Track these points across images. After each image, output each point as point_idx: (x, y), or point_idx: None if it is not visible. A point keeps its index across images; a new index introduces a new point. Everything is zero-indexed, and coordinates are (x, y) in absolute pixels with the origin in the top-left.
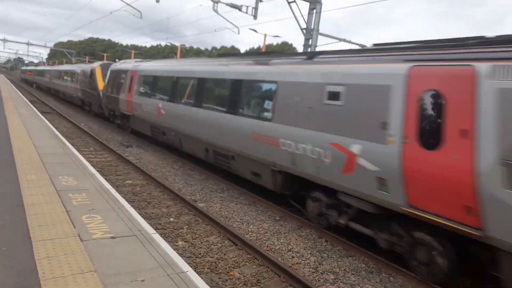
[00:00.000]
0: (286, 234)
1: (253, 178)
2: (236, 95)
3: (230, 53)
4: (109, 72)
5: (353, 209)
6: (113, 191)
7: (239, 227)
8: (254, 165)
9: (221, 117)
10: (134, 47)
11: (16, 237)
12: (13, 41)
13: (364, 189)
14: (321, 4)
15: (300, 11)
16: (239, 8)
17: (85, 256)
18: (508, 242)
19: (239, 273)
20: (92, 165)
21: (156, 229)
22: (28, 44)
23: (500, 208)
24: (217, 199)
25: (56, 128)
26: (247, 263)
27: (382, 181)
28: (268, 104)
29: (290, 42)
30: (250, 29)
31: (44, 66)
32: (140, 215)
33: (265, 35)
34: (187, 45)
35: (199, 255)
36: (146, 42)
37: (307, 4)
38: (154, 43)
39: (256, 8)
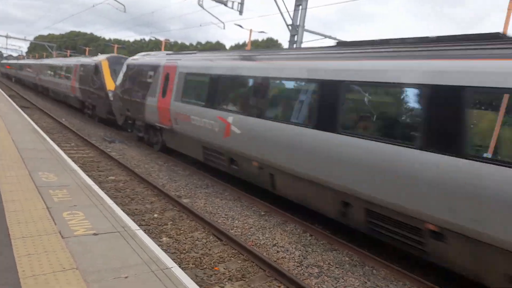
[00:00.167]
0: (271, 229)
1: None
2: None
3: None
4: (125, 67)
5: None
6: (95, 187)
7: (224, 223)
8: None
9: (400, 153)
10: (117, 41)
11: None
12: None
13: None
14: (306, 0)
15: (286, 7)
16: (224, 3)
17: (66, 253)
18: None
19: (224, 268)
20: (73, 161)
21: (139, 225)
22: (7, 37)
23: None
24: (201, 194)
25: (36, 123)
26: (232, 258)
27: None
28: None
29: (275, 38)
30: (235, 24)
31: (29, 60)
32: (123, 211)
33: (251, 30)
34: (172, 40)
35: (184, 251)
36: (130, 36)
37: (293, 0)
38: (138, 38)
39: (241, 4)
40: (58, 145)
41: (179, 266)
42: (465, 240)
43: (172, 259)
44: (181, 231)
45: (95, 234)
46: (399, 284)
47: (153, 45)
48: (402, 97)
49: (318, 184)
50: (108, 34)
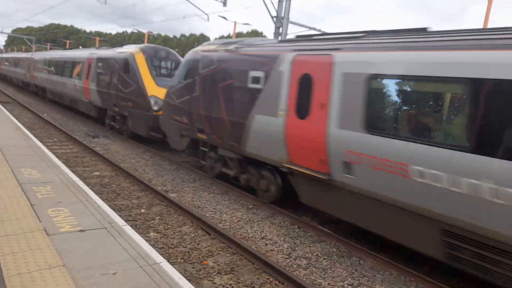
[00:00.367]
0: (259, 222)
1: None
2: None
3: None
4: (189, 62)
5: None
6: (80, 183)
7: (212, 217)
8: None
9: None
10: (99, 33)
11: None
12: None
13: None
14: None
15: None
16: None
17: (52, 251)
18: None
19: (213, 262)
20: (57, 156)
21: (126, 220)
22: None
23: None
24: (189, 189)
25: (17, 118)
26: (221, 252)
27: None
28: None
29: (260, 30)
30: (219, 16)
31: (15, 53)
32: (109, 207)
33: (235, 22)
34: (155, 32)
35: (172, 246)
36: (112, 29)
37: None
38: (120, 30)
39: None
40: (41, 141)
41: (168, 261)
42: None
43: (161, 254)
44: (169, 226)
45: (81, 230)
46: (386, 274)
47: (136, 38)
48: None
49: None
50: (89, 26)
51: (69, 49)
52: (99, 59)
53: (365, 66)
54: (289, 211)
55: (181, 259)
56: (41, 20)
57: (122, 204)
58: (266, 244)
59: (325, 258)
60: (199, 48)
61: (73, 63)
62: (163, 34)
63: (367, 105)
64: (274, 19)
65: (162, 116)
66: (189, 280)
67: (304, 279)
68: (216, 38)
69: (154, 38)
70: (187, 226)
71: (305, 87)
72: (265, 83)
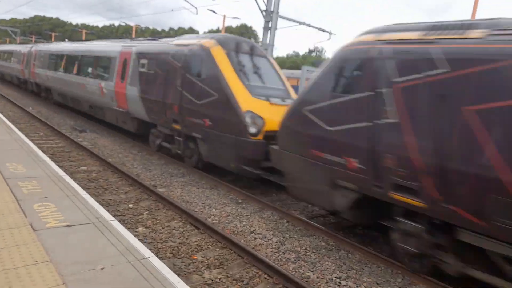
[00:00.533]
0: (249, 216)
1: None
2: None
3: None
4: (385, 62)
5: None
6: (67, 178)
7: (201, 211)
8: None
9: None
10: (85, 26)
11: None
12: None
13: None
14: None
15: None
16: None
17: (38, 246)
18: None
19: (202, 257)
20: (42, 151)
21: (114, 215)
22: None
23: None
24: (177, 183)
25: (1, 112)
26: (210, 247)
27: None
28: None
29: (249, 25)
30: (208, 10)
31: (8, 45)
32: (97, 202)
33: (224, 16)
34: (143, 26)
35: (161, 241)
36: (98, 21)
37: None
38: (107, 23)
39: None
40: (26, 135)
41: (157, 256)
42: None
43: (149, 249)
44: (158, 221)
45: (68, 226)
46: (373, 266)
47: (123, 31)
48: None
49: None
50: (75, 19)
51: (87, 40)
52: (143, 54)
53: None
54: (278, 205)
55: (170, 253)
56: (25, 12)
57: (110, 199)
58: (255, 238)
59: (313, 252)
60: (370, 37)
61: (97, 59)
62: (151, 27)
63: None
64: (264, 13)
65: (282, 148)
66: (178, 275)
67: (293, 273)
68: (204, 32)
69: (142, 32)
70: (176, 221)
71: None
72: None
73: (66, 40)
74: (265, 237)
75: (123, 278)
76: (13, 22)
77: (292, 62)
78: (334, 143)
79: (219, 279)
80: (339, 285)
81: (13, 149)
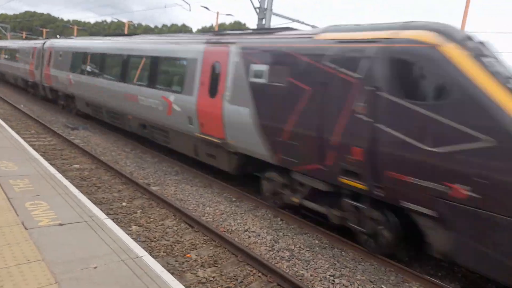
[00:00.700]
0: (243, 214)
1: None
2: None
3: None
4: None
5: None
6: (59, 176)
7: (195, 210)
8: None
9: None
10: (77, 22)
11: None
12: None
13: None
14: None
15: None
16: None
17: (30, 245)
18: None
19: (196, 255)
20: (34, 149)
21: (107, 214)
22: None
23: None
24: (171, 182)
25: None
26: (204, 245)
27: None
28: None
29: (243, 22)
30: (202, 6)
31: (11, 41)
32: (89, 200)
33: (218, 13)
34: (135, 22)
35: (154, 239)
36: (90, 17)
37: None
38: (99, 19)
39: None
40: (18, 133)
41: (150, 254)
42: None
43: (143, 248)
44: (151, 219)
45: (60, 224)
46: (366, 264)
47: (116, 27)
48: None
49: None
50: (66, 14)
51: (122, 34)
52: (257, 56)
53: None
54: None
55: (163, 252)
56: (16, 8)
57: (103, 198)
58: (249, 237)
59: (307, 250)
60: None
61: (159, 61)
62: (144, 24)
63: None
64: (257, 10)
65: None
66: (172, 273)
67: (287, 271)
68: (198, 29)
69: (135, 28)
70: (169, 219)
71: None
72: None
73: (58, 36)
74: (259, 235)
75: (116, 276)
76: (3, 17)
77: None
78: None
79: (213, 277)
80: (333, 283)
81: (4, 146)
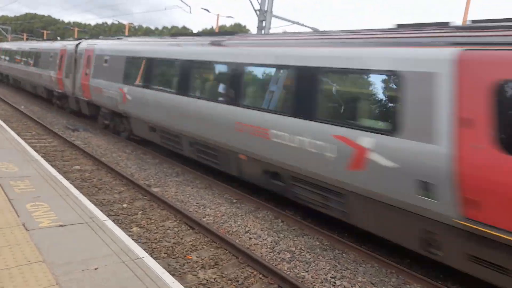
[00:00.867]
0: (243, 216)
1: None
2: None
3: None
4: None
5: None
6: (60, 177)
7: (195, 211)
8: None
9: None
10: (78, 24)
11: None
12: None
13: None
14: None
15: None
16: None
17: (31, 246)
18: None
19: (196, 257)
20: (35, 150)
21: (108, 215)
22: None
23: None
24: (172, 183)
25: None
26: (205, 246)
27: None
28: None
29: (243, 24)
30: (202, 8)
31: (29, 43)
32: (90, 201)
33: (218, 15)
34: (136, 24)
35: (155, 241)
36: (91, 19)
37: None
38: (100, 21)
39: None
40: (18, 134)
41: (151, 256)
42: None
43: (143, 249)
44: (152, 221)
45: (61, 225)
46: (367, 266)
47: (116, 29)
48: None
49: None
50: (67, 16)
51: (197, 34)
52: None
53: None
54: (273, 205)
55: (164, 253)
56: (16, 9)
57: (104, 199)
58: (250, 238)
59: (308, 252)
60: None
61: (318, 76)
62: (144, 26)
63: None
64: (257, 12)
65: None
66: (173, 275)
67: (288, 273)
68: (198, 31)
69: (136, 30)
70: (170, 221)
71: None
72: None
73: (58, 38)
74: (260, 236)
75: (117, 278)
76: (4, 19)
77: None
78: None
79: (214, 279)
80: (334, 285)
81: (5, 148)
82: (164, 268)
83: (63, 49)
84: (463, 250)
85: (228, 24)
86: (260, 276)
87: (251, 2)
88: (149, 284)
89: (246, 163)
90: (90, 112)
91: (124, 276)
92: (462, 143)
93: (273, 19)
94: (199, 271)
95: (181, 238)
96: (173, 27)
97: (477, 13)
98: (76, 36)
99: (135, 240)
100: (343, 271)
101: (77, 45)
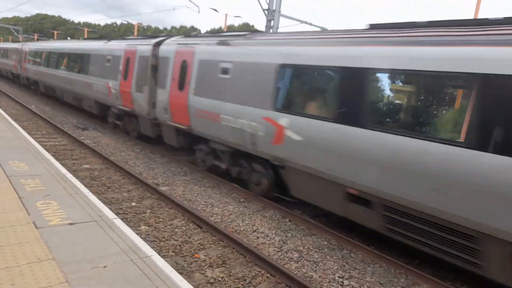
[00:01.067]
0: (251, 215)
1: None
2: None
3: None
4: None
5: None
6: (69, 175)
7: (203, 210)
8: None
9: None
10: (87, 24)
11: None
12: None
13: None
14: None
15: None
16: None
17: (41, 244)
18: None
19: (204, 255)
20: (45, 149)
21: (117, 214)
22: None
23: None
24: (180, 182)
25: (4, 110)
26: (213, 245)
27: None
28: None
29: (251, 24)
30: (210, 8)
31: (71, 42)
32: (99, 200)
33: (226, 15)
34: (144, 24)
35: (163, 239)
36: (100, 19)
37: None
38: (109, 21)
39: None
40: (29, 133)
41: (159, 254)
42: None
43: (152, 247)
44: (160, 219)
45: (70, 223)
46: (376, 266)
47: (125, 29)
48: None
49: None
50: (77, 17)
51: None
52: None
53: None
54: (280, 204)
55: (172, 252)
56: (27, 10)
57: (113, 197)
58: (257, 237)
59: (316, 251)
60: None
61: None
62: (153, 26)
63: None
64: (265, 12)
65: None
66: (181, 273)
67: (295, 272)
68: (207, 31)
69: (144, 30)
70: (178, 220)
71: None
72: None
73: (68, 38)
74: (267, 236)
75: (126, 276)
76: (16, 20)
77: None
78: None
79: (222, 277)
80: (342, 285)
81: (16, 147)
82: (172, 266)
83: (129, 51)
84: None
85: (236, 24)
86: (268, 275)
87: (259, 2)
88: (157, 283)
89: None
90: (182, 144)
91: (132, 274)
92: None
93: (281, 18)
94: (207, 269)
95: (189, 237)
96: (181, 27)
97: (486, 13)
98: (85, 36)
99: (144, 239)
100: (351, 271)
101: (156, 44)
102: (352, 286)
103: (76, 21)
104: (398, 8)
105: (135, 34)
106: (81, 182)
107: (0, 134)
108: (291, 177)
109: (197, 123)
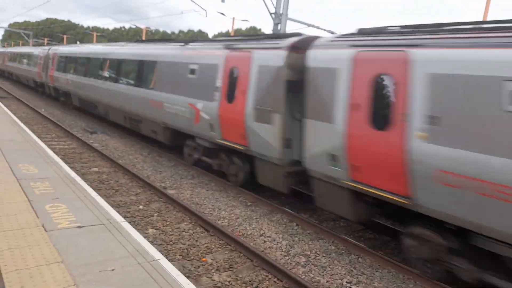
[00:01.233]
0: (258, 219)
1: None
2: None
3: None
4: None
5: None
6: (78, 179)
7: (210, 213)
8: None
9: None
10: (96, 29)
11: None
12: None
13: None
14: None
15: None
16: None
17: (50, 247)
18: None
19: (211, 259)
20: (54, 152)
21: (125, 217)
22: None
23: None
24: (187, 185)
25: (14, 113)
26: (220, 249)
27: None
28: None
29: (258, 27)
30: (218, 12)
31: (130, 45)
32: (107, 203)
33: (234, 19)
34: (152, 28)
35: (171, 242)
36: (109, 24)
37: None
38: (118, 25)
39: None
40: (38, 136)
41: (166, 258)
42: None
43: (159, 251)
44: (168, 223)
45: (79, 226)
46: (384, 271)
47: (134, 33)
48: None
49: None
50: (86, 21)
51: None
52: None
53: None
54: (288, 208)
55: (179, 255)
56: (37, 15)
57: (121, 201)
58: (264, 241)
59: (323, 256)
60: None
61: None
62: (161, 30)
63: None
64: (273, 15)
65: None
66: (188, 277)
67: (303, 277)
68: (214, 35)
69: (152, 34)
70: (185, 223)
71: None
72: None
73: (78, 42)
74: (274, 240)
75: (133, 279)
76: (26, 24)
77: None
78: None
79: (229, 282)
80: None
81: (26, 150)
82: (179, 270)
83: (236, 57)
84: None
85: (243, 28)
86: (275, 279)
87: (266, 6)
88: (164, 286)
89: None
90: (362, 219)
91: (140, 278)
92: None
93: (288, 21)
94: (214, 273)
95: (196, 240)
96: (189, 30)
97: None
98: (95, 40)
99: (151, 242)
100: (359, 276)
101: (295, 47)
102: None
103: (85, 25)
104: (398, 8)
105: (143, 38)
106: (89, 185)
107: (10, 137)
108: None
109: (434, 195)
